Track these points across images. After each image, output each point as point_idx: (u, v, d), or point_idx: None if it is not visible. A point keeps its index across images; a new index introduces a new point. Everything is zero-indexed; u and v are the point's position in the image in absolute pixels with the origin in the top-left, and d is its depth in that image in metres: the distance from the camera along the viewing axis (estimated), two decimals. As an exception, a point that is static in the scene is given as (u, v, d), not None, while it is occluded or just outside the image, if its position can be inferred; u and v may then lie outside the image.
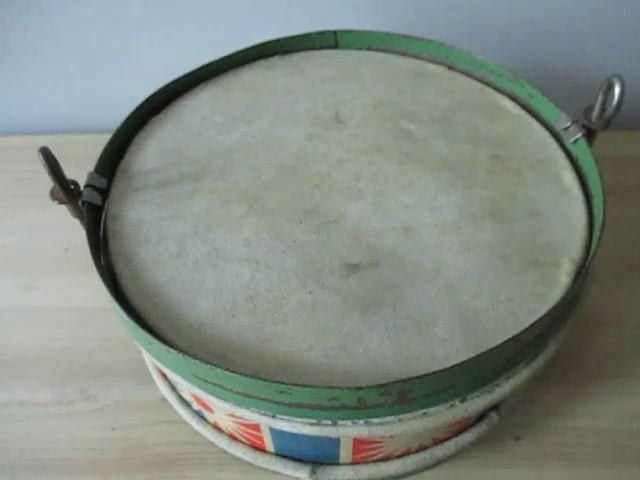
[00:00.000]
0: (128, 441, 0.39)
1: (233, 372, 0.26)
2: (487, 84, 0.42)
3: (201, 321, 0.29)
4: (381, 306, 0.30)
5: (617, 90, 0.33)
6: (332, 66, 0.43)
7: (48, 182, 0.31)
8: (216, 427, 0.37)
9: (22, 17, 0.55)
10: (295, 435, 0.29)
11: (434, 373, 0.25)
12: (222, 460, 0.38)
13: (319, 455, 0.35)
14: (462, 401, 0.29)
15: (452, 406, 0.29)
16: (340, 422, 0.28)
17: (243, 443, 0.37)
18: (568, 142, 0.37)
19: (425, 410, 0.28)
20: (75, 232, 0.34)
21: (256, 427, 0.33)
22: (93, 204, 0.33)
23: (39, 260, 0.50)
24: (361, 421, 0.28)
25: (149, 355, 0.30)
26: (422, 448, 0.36)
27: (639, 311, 0.45)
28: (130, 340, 0.31)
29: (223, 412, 0.33)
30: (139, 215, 0.34)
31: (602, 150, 0.36)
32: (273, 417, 0.29)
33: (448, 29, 0.55)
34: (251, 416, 0.29)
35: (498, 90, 0.41)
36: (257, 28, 0.56)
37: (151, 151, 0.38)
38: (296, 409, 0.27)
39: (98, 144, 0.36)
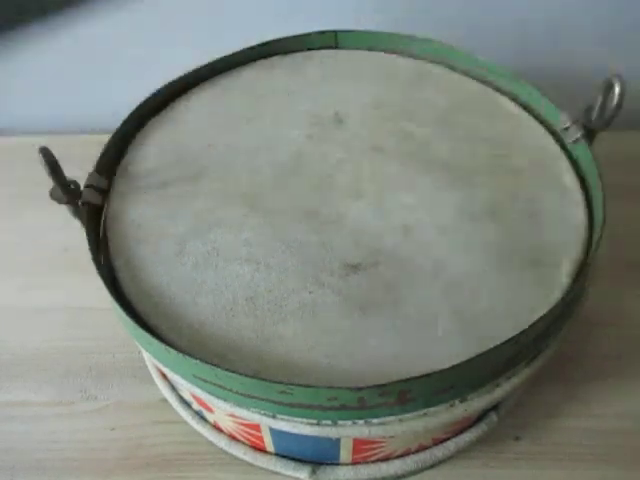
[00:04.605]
0: (128, 441, 0.39)
1: (233, 372, 0.26)
2: (487, 84, 0.42)
3: (201, 321, 0.29)
4: (381, 306, 0.30)
5: (617, 90, 0.33)
6: (332, 66, 0.43)
7: (48, 182, 0.31)
8: (216, 427, 0.37)
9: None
10: (295, 435, 0.29)
11: (434, 373, 0.25)
12: (222, 460, 0.38)
13: (319, 455, 0.35)
14: (462, 401, 0.29)
15: (452, 406, 0.29)
16: (340, 422, 0.28)
17: (243, 443, 0.37)
18: (568, 142, 0.37)
19: (425, 410, 0.28)
20: (75, 232, 0.34)
21: (256, 427, 0.33)
22: (93, 204, 0.33)
23: (38, 260, 0.50)
24: (361, 421, 0.28)
25: (149, 355, 0.30)
26: (422, 448, 0.36)
27: (639, 311, 0.45)
28: (130, 340, 0.31)
29: (223, 412, 0.33)
30: (139, 215, 0.34)
31: (602, 150, 0.36)
32: (273, 417, 0.29)
33: (448, 29, 0.55)
34: (251, 416, 0.29)
35: (498, 90, 0.41)
36: (257, 28, 0.56)
37: (151, 151, 0.38)
38: (296, 409, 0.27)
39: (98, 144, 0.36)
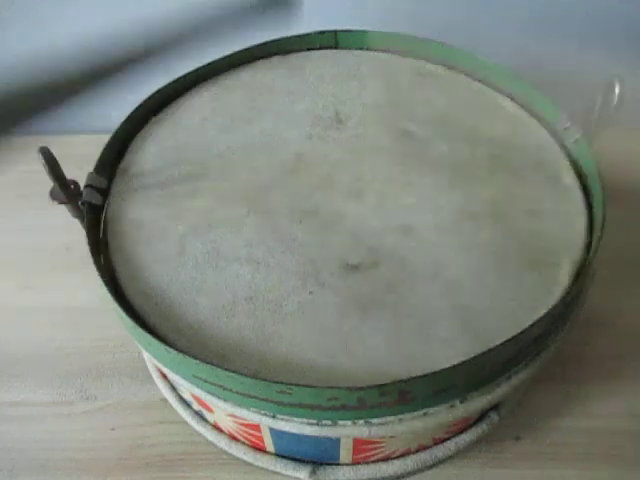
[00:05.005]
0: (128, 441, 0.39)
1: (233, 372, 0.26)
2: (487, 84, 0.42)
3: (201, 321, 0.29)
4: (381, 306, 0.30)
5: (617, 90, 0.33)
6: (332, 66, 0.43)
7: (48, 182, 0.31)
8: (216, 427, 0.37)
9: (22, 17, 0.55)
10: (295, 435, 0.29)
11: (434, 373, 0.25)
12: (222, 460, 0.38)
13: (319, 455, 0.35)
14: (462, 401, 0.29)
15: (452, 406, 0.29)
16: (340, 422, 0.28)
17: (243, 443, 0.37)
18: (568, 142, 0.37)
19: (425, 410, 0.28)
20: (75, 232, 0.34)
21: (256, 427, 0.33)
22: (93, 204, 0.33)
23: (39, 260, 0.50)
24: (361, 421, 0.28)
25: (149, 355, 0.30)
26: (422, 448, 0.36)
27: (639, 311, 0.45)
28: (130, 340, 0.31)
29: (223, 412, 0.33)
30: (139, 215, 0.34)
31: (602, 150, 0.36)
32: (273, 417, 0.29)
33: (448, 29, 0.55)
34: (251, 416, 0.29)
35: (498, 90, 0.41)
36: (257, 28, 0.56)
37: (151, 151, 0.38)
38: (296, 409, 0.27)
39: (98, 144, 0.36)
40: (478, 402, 0.29)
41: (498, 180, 0.35)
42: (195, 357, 0.26)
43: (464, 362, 0.26)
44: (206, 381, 0.28)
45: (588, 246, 0.32)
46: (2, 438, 0.40)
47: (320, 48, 0.45)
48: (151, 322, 0.29)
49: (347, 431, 0.29)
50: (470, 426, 0.36)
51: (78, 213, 0.33)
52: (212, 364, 0.26)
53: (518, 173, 0.36)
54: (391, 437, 0.32)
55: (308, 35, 0.44)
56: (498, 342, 0.26)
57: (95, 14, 0.55)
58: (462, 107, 0.40)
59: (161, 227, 0.33)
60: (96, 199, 0.34)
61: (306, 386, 0.25)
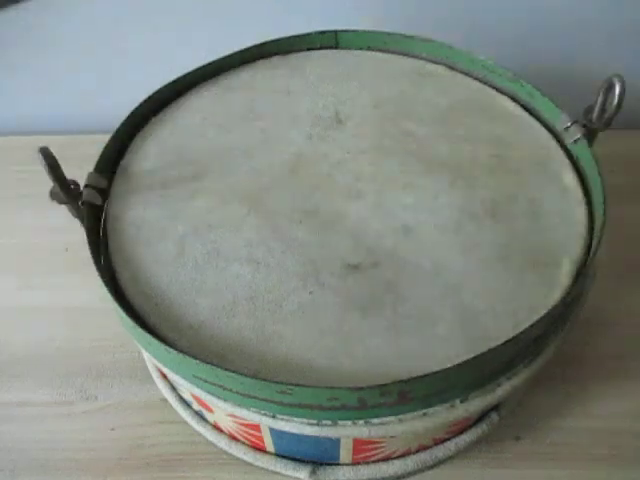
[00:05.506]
0: (128, 441, 0.39)
1: (233, 372, 0.26)
2: (487, 84, 0.42)
3: (201, 321, 0.29)
4: (381, 306, 0.30)
5: (617, 90, 0.33)
6: (332, 66, 0.43)
7: (48, 182, 0.31)
8: (216, 427, 0.37)
9: (23, 17, 0.55)
10: (295, 435, 0.29)
11: (434, 373, 0.25)
12: (222, 460, 0.38)
13: (319, 455, 0.35)
14: (462, 401, 0.29)
15: (452, 406, 0.29)
16: (340, 422, 0.28)
17: (243, 443, 0.37)
18: (568, 142, 0.37)
19: (425, 410, 0.28)
20: (75, 232, 0.34)
21: (256, 427, 0.33)
22: (93, 204, 0.33)
23: (39, 260, 0.50)
24: (361, 421, 0.28)
25: (149, 355, 0.30)
26: (422, 448, 0.36)
27: (639, 311, 0.45)
28: (130, 340, 0.31)
29: (223, 412, 0.33)
30: (139, 215, 0.34)
31: (602, 150, 0.36)
32: (273, 417, 0.29)
33: (448, 29, 0.55)
34: (251, 416, 0.29)
35: (498, 90, 0.41)
36: (257, 28, 0.56)
37: (151, 151, 0.38)
38: (296, 409, 0.27)
39: (98, 144, 0.36)
40: (478, 402, 0.29)
41: (498, 180, 0.35)
42: (195, 357, 0.26)
43: (464, 362, 0.26)
44: (206, 381, 0.28)
45: (588, 246, 0.32)
46: (2, 438, 0.40)
47: (320, 48, 0.45)
48: (151, 322, 0.29)
49: (347, 431, 0.29)
50: (470, 426, 0.36)
51: (78, 213, 0.33)
52: (212, 364, 0.26)
53: (518, 173, 0.36)
54: (391, 437, 0.32)
55: (308, 35, 0.44)
56: (498, 342, 0.26)
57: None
58: (462, 107, 0.40)
59: (161, 227, 0.33)
60: (96, 199, 0.34)
61: (306, 386, 0.25)
